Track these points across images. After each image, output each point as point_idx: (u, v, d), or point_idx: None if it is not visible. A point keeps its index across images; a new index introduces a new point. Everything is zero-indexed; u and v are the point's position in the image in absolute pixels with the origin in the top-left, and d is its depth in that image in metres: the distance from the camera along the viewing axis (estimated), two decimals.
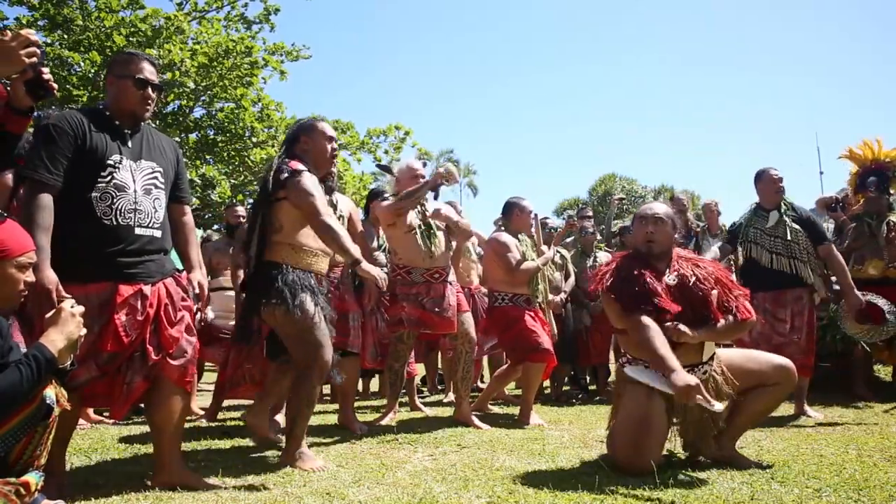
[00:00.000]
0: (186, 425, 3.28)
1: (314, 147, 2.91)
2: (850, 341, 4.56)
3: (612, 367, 5.15)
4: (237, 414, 4.49)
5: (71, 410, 1.97)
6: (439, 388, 6.09)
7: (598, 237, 6.48)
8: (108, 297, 2.21)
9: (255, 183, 11.45)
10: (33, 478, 1.74)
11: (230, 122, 11.79)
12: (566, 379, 5.95)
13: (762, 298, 3.98)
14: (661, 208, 2.82)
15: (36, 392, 1.73)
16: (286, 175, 2.73)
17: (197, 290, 2.51)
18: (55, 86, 2.04)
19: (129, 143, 2.36)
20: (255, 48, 11.61)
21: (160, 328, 2.30)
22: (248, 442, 3.31)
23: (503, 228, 4.39)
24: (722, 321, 2.65)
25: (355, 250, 2.82)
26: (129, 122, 2.38)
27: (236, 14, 12.06)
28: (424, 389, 6.13)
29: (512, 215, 4.35)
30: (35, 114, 2.12)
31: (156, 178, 2.39)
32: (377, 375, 5.65)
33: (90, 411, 3.98)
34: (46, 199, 2.14)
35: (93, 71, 10.12)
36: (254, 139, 12.11)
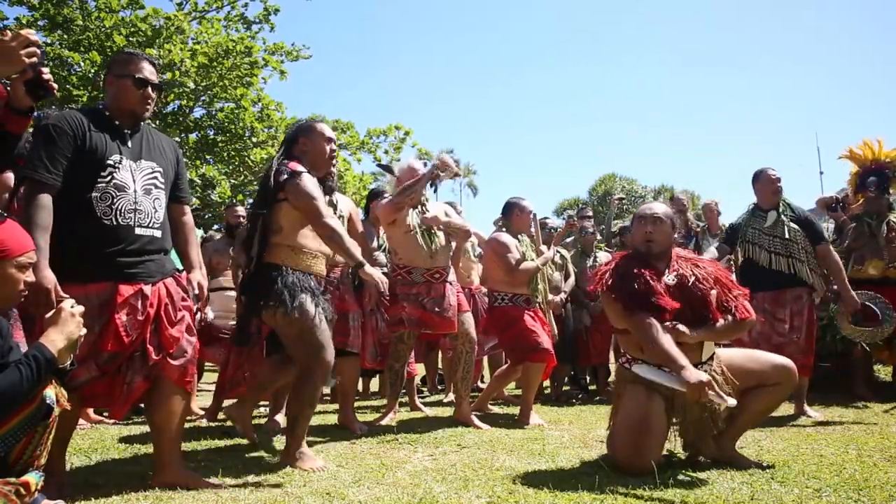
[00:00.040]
0: (186, 425, 3.27)
1: (313, 148, 2.91)
2: (850, 341, 4.56)
3: (612, 367, 5.15)
4: None
5: (71, 410, 1.97)
6: (439, 388, 6.09)
7: (598, 237, 6.48)
8: (108, 297, 2.21)
9: (255, 183, 11.45)
10: (33, 478, 1.74)
11: (230, 122, 11.80)
12: (566, 379, 5.95)
13: (761, 298, 3.98)
14: (660, 208, 2.82)
15: (36, 392, 1.73)
16: (286, 176, 2.73)
17: (196, 291, 2.51)
18: (55, 86, 2.04)
19: (129, 143, 2.36)
20: (255, 48, 11.63)
21: (160, 328, 2.30)
22: (248, 442, 3.31)
23: (503, 228, 4.39)
24: (721, 321, 2.65)
25: (358, 253, 2.83)
26: (128, 122, 2.38)
27: (236, 14, 12.07)
28: (424, 389, 6.13)
29: (512, 215, 4.35)
30: (35, 114, 2.12)
31: (156, 177, 2.39)
32: (377, 375, 5.65)
33: (90, 411, 3.97)
34: (45, 199, 2.13)
35: (93, 71, 10.12)
36: (254, 139, 12.12)
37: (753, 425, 2.89)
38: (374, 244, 4.36)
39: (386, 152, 13.67)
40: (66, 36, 10.55)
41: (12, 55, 1.85)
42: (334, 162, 3.02)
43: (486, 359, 5.84)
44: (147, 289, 2.28)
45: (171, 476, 2.32)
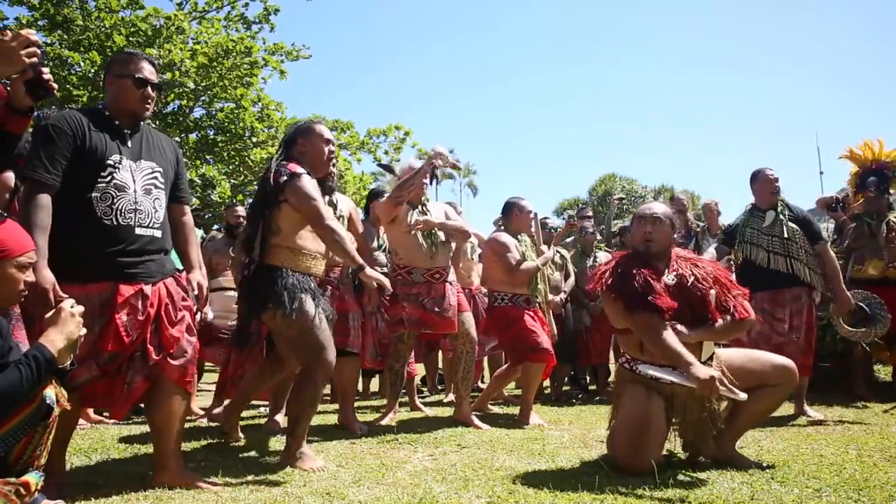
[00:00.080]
0: (186, 425, 3.27)
1: (311, 149, 2.90)
2: (850, 341, 4.56)
3: (612, 367, 5.15)
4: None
5: (71, 410, 1.97)
6: (439, 388, 6.09)
7: (598, 237, 6.47)
8: (108, 297, 2.21)
9: (254, 183, 11.44)
10: (33, 478, 1.74)
11: (230, 122, 11.79)
12: (566, 379, 5.95)
13: (760, 298, 3.98)
14: (659, 208, 2.82)
15: (36, 392, 1.73)
16: (285, 178, 2.73)
17: (196, 291, 2.51)
18: (55, 86, 2.05)
19: (129, 143, 2.36)
20: (255, 48, 11.61)
21: (161, 328, 2.30)
22: (248, 442, 3.31)
23: (503, 228, 4.39)
24: (720, 321, 2.65)
25: (359, 256, 2.83)
26: (128, 122, 2.38)
27: (236, 14, 12.06)
28: (424, 389, 6.13)
29: (511, 215, 4.35)
30: (35, 114, 2.12)
31: (156, 177, 2.39)
32: (377, 375, 5.65)
33: (90, 411, 3.97)
34: (45, 199, 2.13)
35: (93, 71, 10.12)
36: (254, 139, 12.11)
37: (753, 425, 2.89)
38: (374, 244, 4.36)
39: (386, 152, 13.66)
40: (66, 36, 10.55)
41: (12, 55, 1.85)
42: (333, 163, 3.02)
43: (486, 359, 5.84)
44: (147, 289, 2.28)
45: (171, 476, 2.32)
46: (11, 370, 1.66)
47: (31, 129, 2.28)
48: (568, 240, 6.29)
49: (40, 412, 1.74)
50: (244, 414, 4.44)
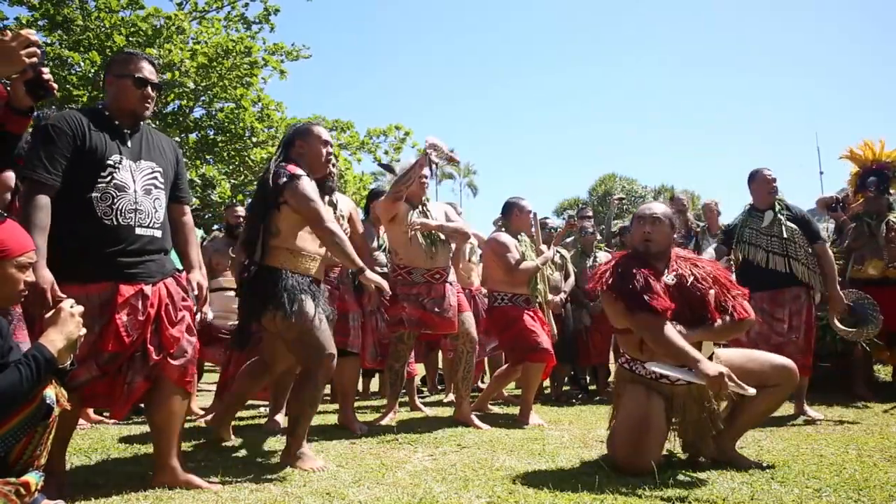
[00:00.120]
0: (186, 425, 3.27)
1: (309, 151, 2.90)
2: (850, 341, 4.56)
3: (612, 367, 5.15)
4: (238, 414, 4.49)
5: (71, 410, 1.97)
6: (439, 388, 6.09)
7: (598, 237, 6.47)
8: (108, 297, 2.21)
9: (254, 183, 11.44)
10: (33, 478, 1.74)
11: (230, 122, 11.79)
12: (566, 379, 5.95)
13: (759, 298, 3.97)
14: (659, 208, 2.82)
15: (36, 392, 1.73)
16: (284, 179, 2.73)
17: (196, 291, 2.51)
18: (55, 86, 2.05)
19: (129, 143, 2.36)
20: (255, 48, 11.61)
21: (161, 328, 2.30)
22: (248, 442, 3.31)
23: (503, 228, 4.39)
24: (719, 321, 2.65)
25: (358, 258, 2.83)
26: (128, 122, 2.38)
27: (236, 14, 12.06)
28: (424, 389, 6.13)
29: (511, 215, 4.35)
30: (35, 114, 2.12)
31: (156, 177, 2.39)
32: (377, 375, 5.65)
33: (90, 411, 3.97)
34: (44, 200, 2.13)
35: (93, 71, 10.11)
36: (254, 139, 12.11)
37: (753, 426, 2.89)
38: (374, 244, 4.36)
39: (386, 152, 13.65)
40: (66, 36, 10.55)
41: (12, 55, 1.85)
42: (331, 165, 3.02)
43: (486, 359, 5.84)
44: (147, 289, 2.28)
45: (170, 476, 2.32)
46: (11, 370, 1.66)
47: (31, 129, 2.27)
48: (568, 240, 6.29)
49: (40, 412, 1.74)
50: (244, 414, 4.45)
